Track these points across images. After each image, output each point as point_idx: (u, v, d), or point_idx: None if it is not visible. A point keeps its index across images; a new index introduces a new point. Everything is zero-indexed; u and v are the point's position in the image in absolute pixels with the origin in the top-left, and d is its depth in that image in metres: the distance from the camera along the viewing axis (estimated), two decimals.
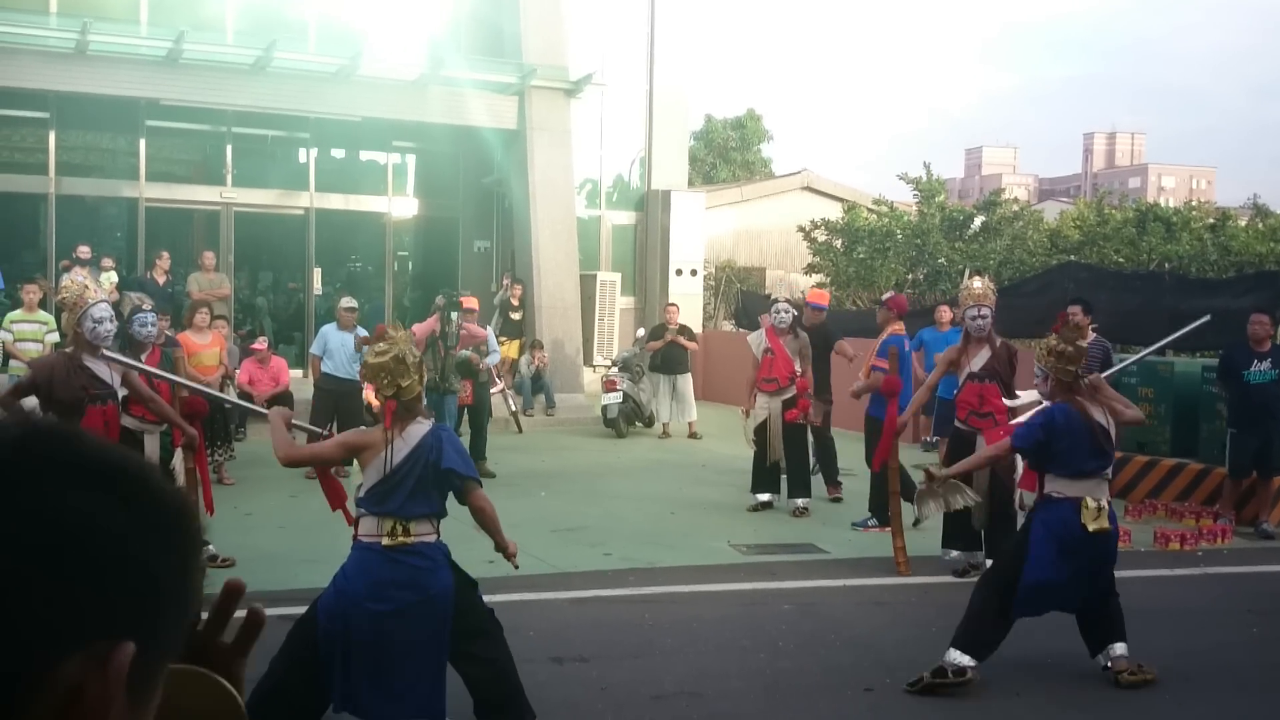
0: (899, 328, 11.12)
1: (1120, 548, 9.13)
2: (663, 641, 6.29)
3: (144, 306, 7.80)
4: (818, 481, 10.81)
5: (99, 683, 0.76)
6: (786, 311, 9.93)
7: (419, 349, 11.10)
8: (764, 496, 9.95)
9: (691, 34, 19.66)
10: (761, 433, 9.90)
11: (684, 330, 14.77)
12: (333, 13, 16.66)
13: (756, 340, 10.17)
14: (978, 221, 21.28)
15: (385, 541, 4.67)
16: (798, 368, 9.86)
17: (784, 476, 9.95)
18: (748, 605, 7.13)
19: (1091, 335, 10.17)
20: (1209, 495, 10.53)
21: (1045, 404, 6.29)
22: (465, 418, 11.67)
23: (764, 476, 10.01)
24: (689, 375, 14.54)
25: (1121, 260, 17.82)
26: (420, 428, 4.70)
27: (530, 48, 16.49)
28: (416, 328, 11.27)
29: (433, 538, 4.72)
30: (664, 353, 14.39)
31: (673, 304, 15.53)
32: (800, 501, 9.89)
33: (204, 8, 16.05)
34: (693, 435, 14.36)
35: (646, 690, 5.52)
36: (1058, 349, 6.00)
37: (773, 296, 10.34)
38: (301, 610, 6.88)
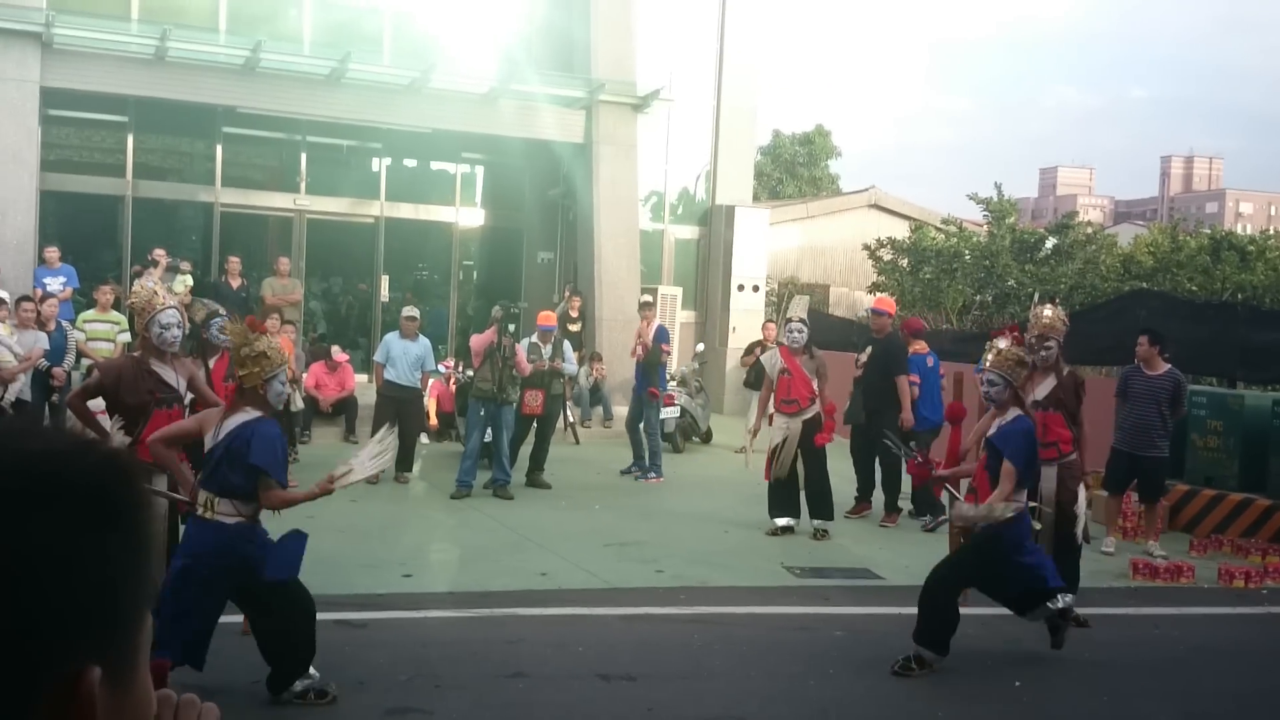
0: (921, 347, 11.15)
1: (1183, 583, 9.01)
2: (711, 663, 6.27)
3: (221, 312, 7.98)
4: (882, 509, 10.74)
5: (70, 714, 0.77)
6: (800, 331, 9.77)
7: (477, 361, 11.26)
8: (783, 521, 9.80)
9: (761, 49, 19.65)
10: (776, 455, 9.75)
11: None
12: (407, 26, 16.88)
13: (771, 361, 10.06)
14: (1049, 244, 20.99)
15: (199, 510, 5.30)
16: (815, 387, 9.75)
17: (803, 495, 9.82)
18: (799, 630, 7.08)
19: (1164, 367, 9.98)
20: (1277, 532, 10.29)
21: (1009, 417, 6.53)
22: (525, 427, 11.71)
23: (781, 500, 9.87)
24: None
25: (1195, 289, 17.49)
26: (244, 417, 5.30)
27: (599, 62, 16.59)
28: (474, 339, 11.38)
29: (233, 519, 5.23)
30: (756, 369, 14.39)
31: (770, 321, 15.57)
32: (820, 524, 9.78)
33: (282, 18, 16.36)
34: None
35: (692, 712, 5.50)
36: (1025, 358, 6.60)
37: (788, 316, 10.16)
38: (359, 615, 6.98)
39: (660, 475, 12.33)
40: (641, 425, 12.55)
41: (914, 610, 7.71)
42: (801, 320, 9.83)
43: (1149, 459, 9.90)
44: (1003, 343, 7.62)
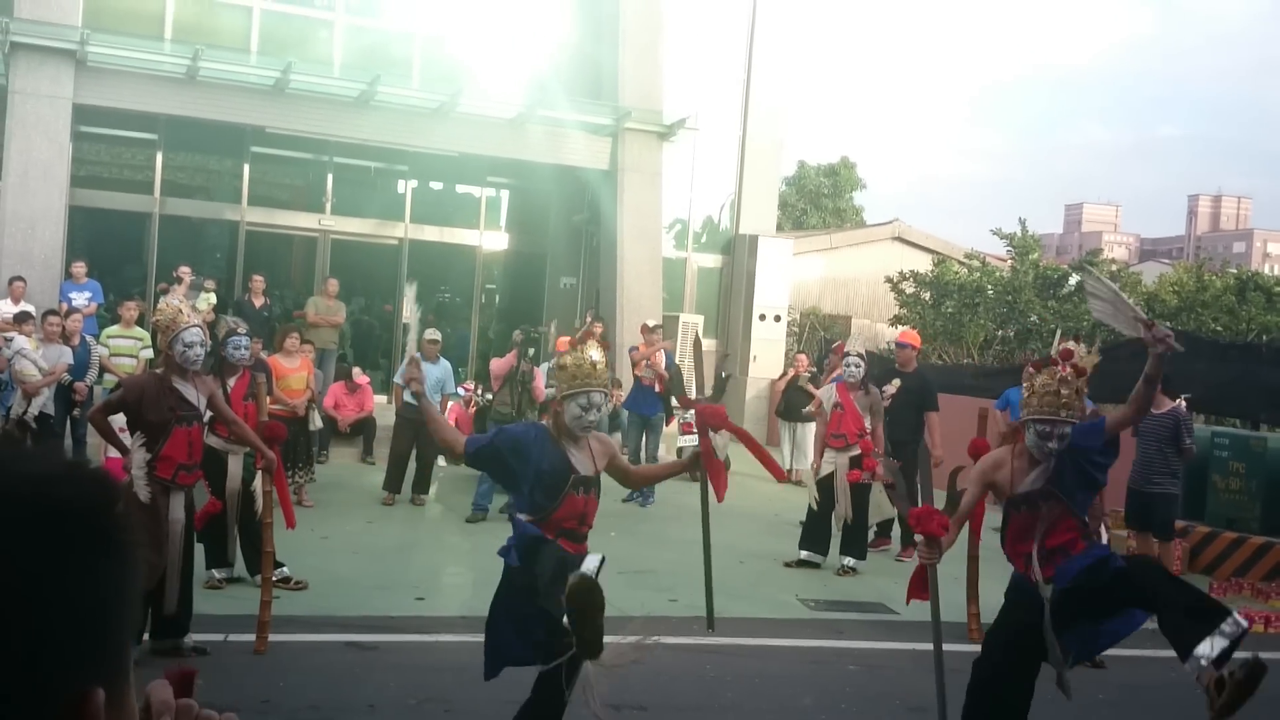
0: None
1: None
2: (723, 695, 6.23)
3: (239, 330, 8.00)
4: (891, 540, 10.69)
5: None
6: (857, 366, 9.72)
7: (496, 384, 11.27)
8: (805, 554, 9.75)
9: (788, 80, 19.71)
10: (826, 490, 9.74)
11: (813, 379, 14.73)
12: (436, 50, 17.02)
13: (827, 395, 10.05)
14: (1073, 280, 20.89)
15: None
16: (868, 424, 9.72)
17: (837, 532, 9.77)
18: (812, 663, 7.04)
19: (1168, 405, 9.92)
20: None
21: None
22: None
23: (814, 534, 9.83)
24: (811, 424, 14.47)
25: (1219, 329, 17.38)
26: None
27: (627, 91, 16.68)
28: (495, 363, 11.41)
29: None
30: (787, 399, 14.34)
31: (802, 353, 15.57)
32: (849, 561, 9.70)
33: (312, 41, 16.52)
34: (799, 482, 14.22)
35: None
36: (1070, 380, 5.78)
37: (846, 351, 10.18)
38: (371, 638, 6.97)
39: (637, 495, 12.32)
40: (647, 451, 12.57)
41: (930, 646, 7.66)
42: (860, 355, 9.77)
43: (1153, 495, 9.86)
44: (1039, 378, 7.24)
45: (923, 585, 5.07)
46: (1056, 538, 4.87)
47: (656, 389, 12.55)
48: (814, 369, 15.32)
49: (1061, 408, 4.74)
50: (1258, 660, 4.39)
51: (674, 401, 13.28)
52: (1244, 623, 4.55)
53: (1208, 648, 4.46)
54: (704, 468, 5.13)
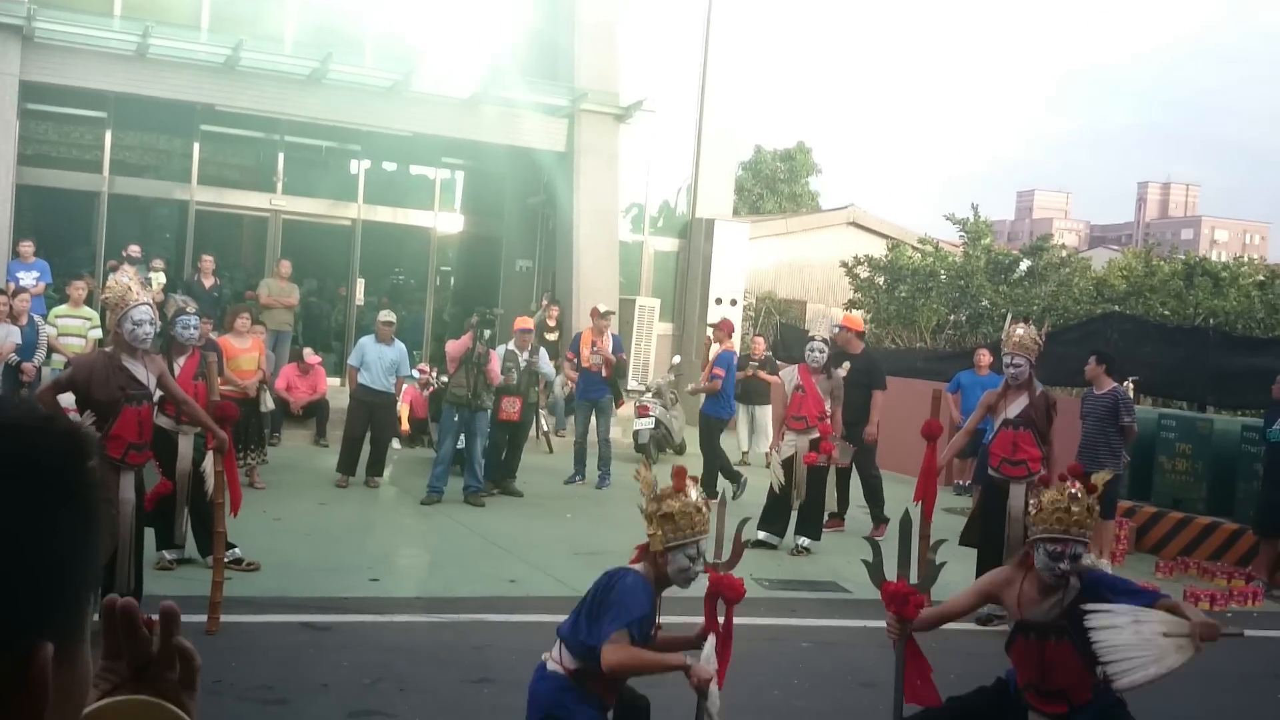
0: (730, 345, 12.78)
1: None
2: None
3: (187, 309, 7.90)
4: (856, 522, 10.79)
5: (23, 690, 0.77)
6: (820, 351, 9.83)
7: (452, 367, 11.21)
8: (763, 535, 9.81)
9: (745, 64, 19.73)
10: (788, 471, 9.83)
11: (766, 363, 14.82)
12: (390, 28, 16.86)
13: (788, 377, 10.13)
14: (1023, 265, 21.14)
15: None
16: (828, 407, 9.80)
17: (794, 513, 9.86)
18: (766, 641, 7.08)
19: (1109, 385, 10.05)
20: (1242, 556, 10.38)
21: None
22: (502, 433, 11.66)
23: (774, 515, 9.91)
24: (768, 407, 14.57)
25: (1167, 313, 17.64)
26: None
27: (583, 72, 16.61)
28: (450, 345, 11.35)
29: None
30: (744, 384, 14.44)
31: (759, 337, 15.66)
32: (804, 541, 9.80)
33: (264, 18, 16.30)
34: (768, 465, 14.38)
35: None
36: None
37: (810, 334, 10.31)
38: (324, 618, 6.93)
39: (583, 479, 12.49)
40: (598, 434, 12.61)
41: (881, 623, 7.73)
42: (824, 340, 9.94)
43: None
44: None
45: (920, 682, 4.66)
46: (1060, 680, 4.34)
47: (604, 374, 12.60)
48: (768, 353, 15.40)
49: (1073, 525, 4.26)
50: None
51: (629, 386, 13.38)
52: None
53: None
54: (712, 640, 4.41)
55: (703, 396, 12.54)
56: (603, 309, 13.37)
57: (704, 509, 4.15)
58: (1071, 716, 4.38)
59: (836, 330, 11.43)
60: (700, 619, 4.44)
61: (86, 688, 0.88)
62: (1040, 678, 4.38)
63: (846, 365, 10.92)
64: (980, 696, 4.73)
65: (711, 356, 12.76)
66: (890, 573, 4.70)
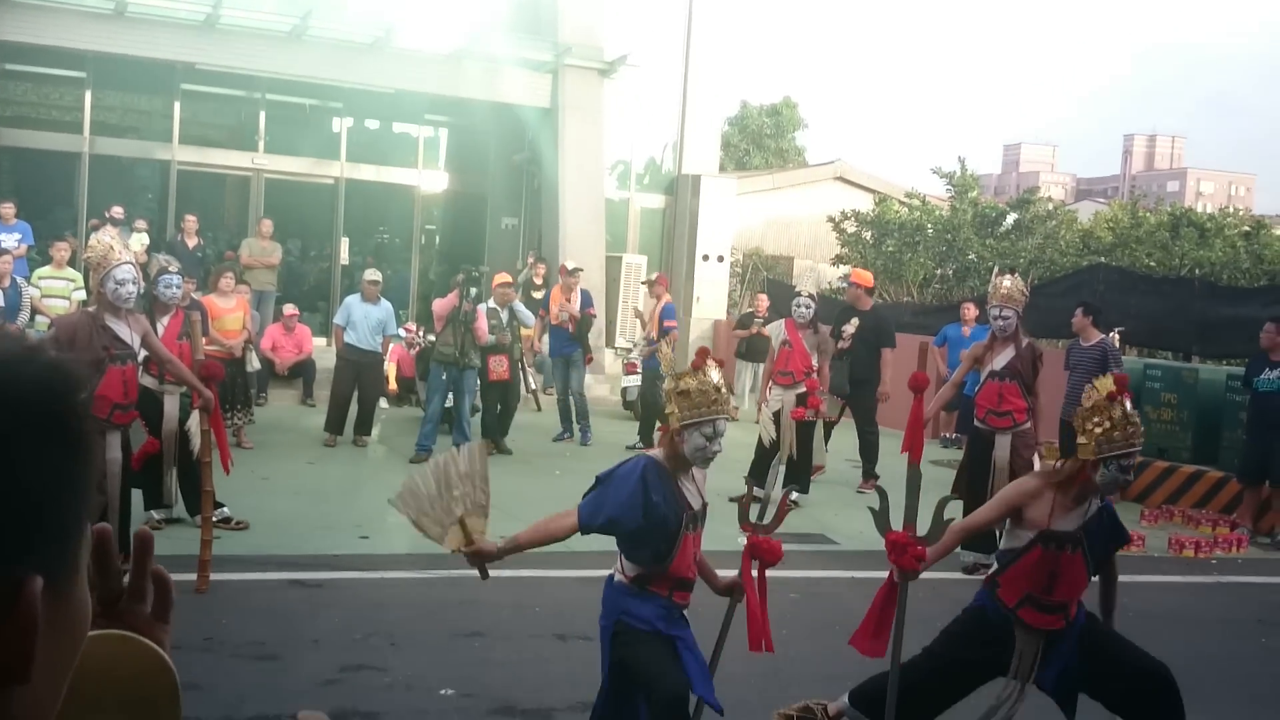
0: (669, 298, 12.90)
1: (1134, 553, 9.13)
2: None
3: (170, 269, 7.84)
4: (843, 474, 10.83)
5: (10, 622, 0.76)
6: (807, 307, 9.82)
7: (439, 325, 11.18)
8: (757, 490, 9.82)
9: (730, 18, 19.56)
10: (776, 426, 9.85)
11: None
12: None
13: (775, 331, 10.13)
14: (1010, 219, 21.10)
15: None
16: (815, 362, 9.81)
17: (781, 467, 9.88)
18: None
19: (1096, 337, 10.09)
20: (1227, 504, 10.46)
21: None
22: (495, 393, 11.65)
23: (761, 468, 9.92)
24: None
25: (1153, 264, 17.64)
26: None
27: (566, 26, 16.47)
28: (437, 303, 11.32)
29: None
30: (749, 341, 14.39)
31: (762, 294, 15.61)
32: (792, 495, 9.83)
33: None
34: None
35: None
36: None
37: (796, 289, 10.32)
38: (314, 575, 6.95)
39: (571, 436, 12.57)
40: (570, 389, 12.67)
41: (868, 574, 7.79)
42: (810, 296, 9.92)
43: None
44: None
45: (874, 630, 4.60)
46: (1064, 592, 4.53)
47: (570, 329, 12.66)
48: (767, 314, 15.38)
49: (1138, 436, 4.46)
50: None
51: (616, 344, 13.38)
52: None
53: None
54: (741, 600, 4.51)
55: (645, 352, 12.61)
56: (570, 266, 13.40)
57: (722, 389, 4.15)
58: (1064, 631, 4.54)
59: (846, 286, 11.45)
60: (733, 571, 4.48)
61: (83, 626, 0.87)
62: (1046, 589, 4.50)
63: (855, 321, 10.92)
64: (961, 637, 4.78)
65: (654, 313, 12.66)
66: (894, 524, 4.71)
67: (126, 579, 1.01)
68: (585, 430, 12.49)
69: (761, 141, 36.73)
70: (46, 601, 0.79)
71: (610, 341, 17.40)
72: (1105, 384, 4.60)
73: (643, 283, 15.00)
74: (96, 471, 0.86)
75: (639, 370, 14.43)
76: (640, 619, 4.15)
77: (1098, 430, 4.48)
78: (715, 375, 4.16)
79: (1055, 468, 4.64)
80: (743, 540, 4.70)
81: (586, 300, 13.03)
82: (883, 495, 4.76)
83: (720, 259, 18.75)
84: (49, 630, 0.80)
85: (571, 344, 12.74)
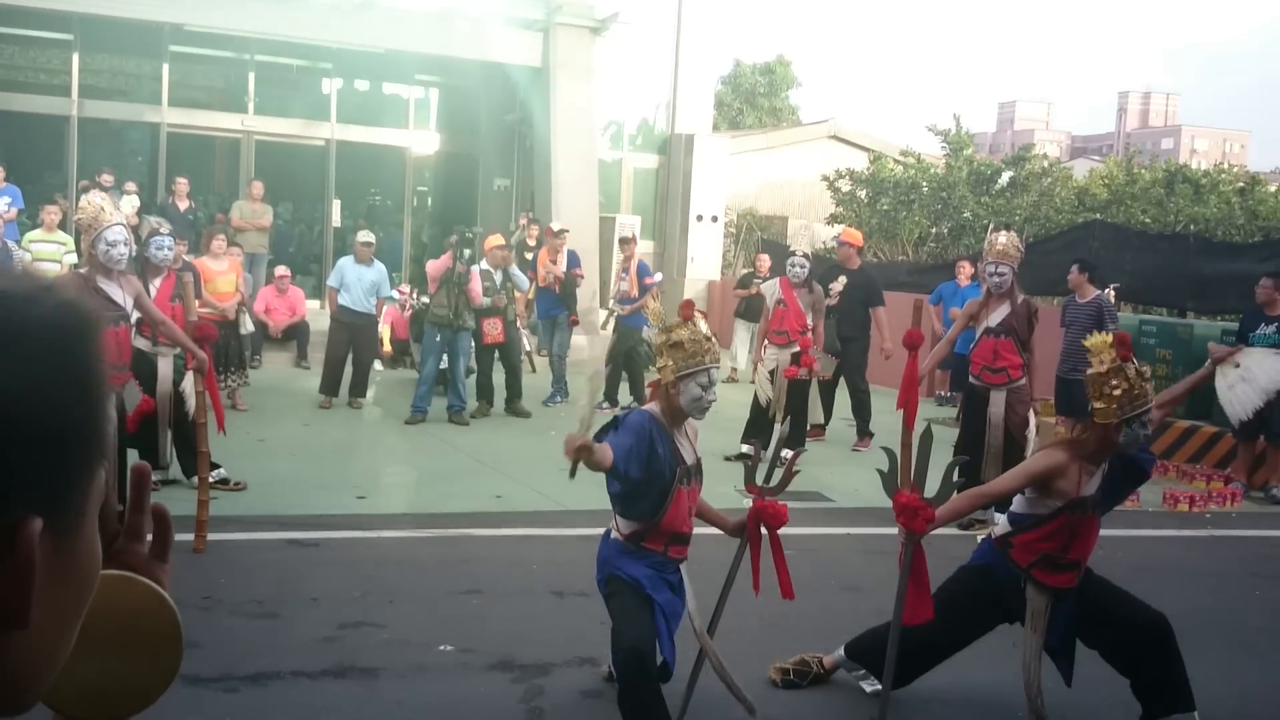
0: (640, 256, 12.88)
1: (1128, 507, 9.16)
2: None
3: (161, 230, 7.80)
4: (839, 434, 10.87)
5: (7, 564, 0.75)
6: (802, 266, 9.82)
7: (433, 287, 11.14)
8: (747, 447, 9.87)
9: None
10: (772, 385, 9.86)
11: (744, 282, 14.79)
12: None
13: (770, 290, 10.12)
14: (1005, 176, 21.02)
15: None
16: (809, 321, 9.80)
17: (778, 427, 9.90)
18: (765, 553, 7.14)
19: (1092, 293, 10.08)
20: (1221, 459, 10.50)
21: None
22: (496, 356, 11.60)
23: (757, 427, 9.94)
24: None
25: (1148, 221, 17.61)
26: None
27: None
28: (430, 265, 11.28)
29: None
30: (748, 301, 14.35)
31: (763, 254, 15.54)
32: (786, 452, 9.83)
33: None
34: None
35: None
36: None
37: (791, 248, 10.31)
38: (311, 535, 6.96)
39: (566, 398, 12.47)
40: (555, 351, 12.68)
41: (863, 530, 7.83)
42: (805, 255, 9.96)
43: (1078, 382, 10.09)
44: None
45: (914, 599, 4.55)
46: (1080, 550, 4.60)
47: (556, 290, 12.64)
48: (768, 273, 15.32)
49: (1148, 396, 4.49)
50: None
51: (609, 305, 13.33)
52: None
53: None
54: (747, 550, 4.62)
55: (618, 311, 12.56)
56: (556, 228, 13.38)
57: (713, 339, 4.21)
58: (1077, 586, 4.62)
59: (837, 245, 11.44)
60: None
61: (91, 574, 0.85)
62: (1063, 549, 4.57)
63: (843, 279, 10.91)
64: (964, 595, 4.80)
65: (632, 271, 12.55)
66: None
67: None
68: (556, 393, 12.43)
69: (755, 100, 36.53)
70: (48, 546, 0.77)
71: (605, 303, 17.35)
72: (1098, 342, 4.60)
73: (620, 240, 14.92)
74: (109, 418, 0.84)
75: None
76: (630, 576, 4.20)
77: (1117, 392, 4.49)
78: (704, 326, 4.20)
79: (1078, 438, 4.62)
80: (747, 501, 4.73)
81: (574, 261, 12.96)
82: (891, 456, 4.76)
83: (714, 219, 18.69)
84: (51, 576, 0.78)
85: (558, 306, 12.70)
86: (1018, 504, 4.77)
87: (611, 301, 17.23)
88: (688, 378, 4.12)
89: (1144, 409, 4.47)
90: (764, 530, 4.64)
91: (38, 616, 0.78)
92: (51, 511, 0.78)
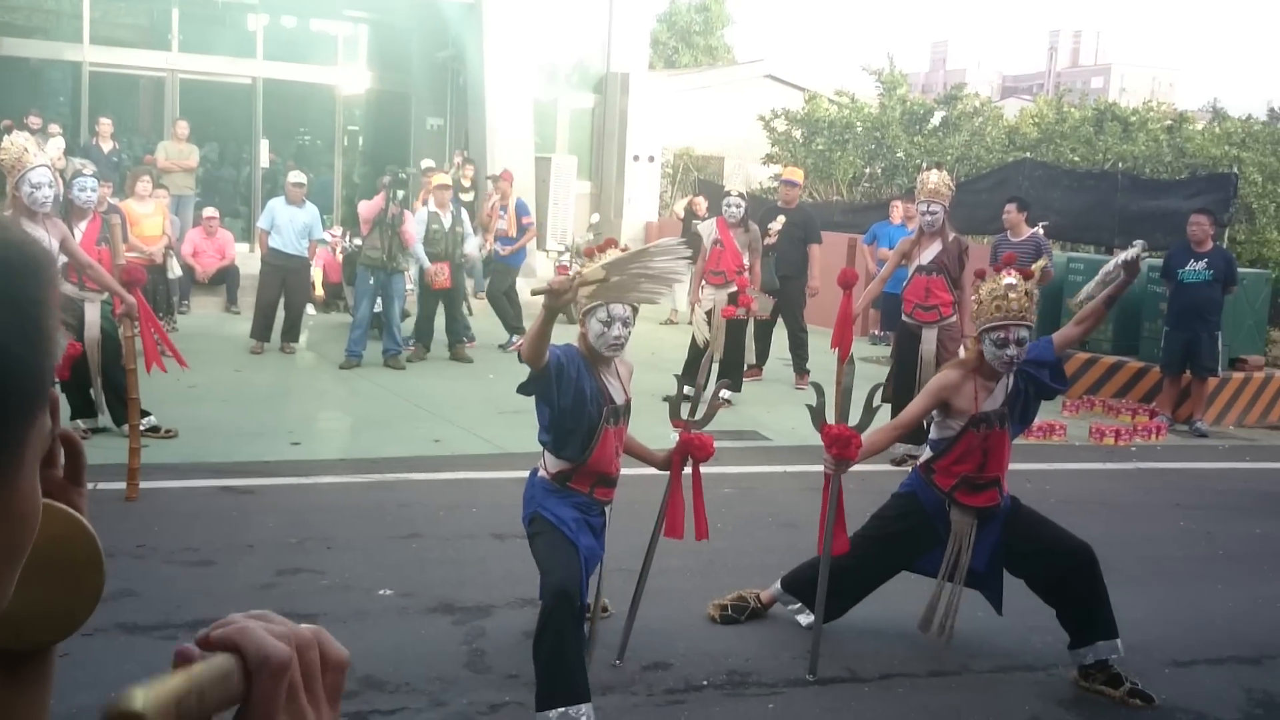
0: (515, 194, 12.70)
1: (1055, 441, 9.38)
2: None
3: (85, 171, 7.62)
4: (776, 373, 10.93)
5: None
6: (738, 206, 9.83)
7: (365, 229, 10.98)
8: (687, 388, 9.89)
9: None
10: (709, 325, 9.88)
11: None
12: None
13: (707, 231, 10.12)
14: (937, 116, 21.13)
15: None
16: (746, 261, 9.82)
17: (714, 365, 9.95)
18: (688, 488, 7.20)
19: (1028, 232, 10.23)
20: (1146, 393, 10.74)
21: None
22: (435, 301, 11.46)
23: (693, 367, 9.97)
24: None
25: (1077, 159, 17.80)
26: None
27: None
28: (363, 206, 11.12)
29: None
30: (686, 241, 14.30)
31: (699, 196, 15.45)
32: (725, 393, 9.91)
33: None
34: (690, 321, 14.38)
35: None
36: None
37: (725, 189, 10.31)
38: (245, 482, 6.90)
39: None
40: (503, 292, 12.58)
41: (799, 468, 7.92)
42: (740, 195, 9.98)
43: None
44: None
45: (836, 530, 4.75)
46: (995, 467, 4.70)
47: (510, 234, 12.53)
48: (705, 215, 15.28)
49: (1011, 311, 4.54)
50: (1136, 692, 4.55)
51: (547, 246, 13.25)
52: (1121, 652, 4.66)
53: (1088, 655, 4.62)
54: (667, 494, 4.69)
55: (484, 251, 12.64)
56: (498, 171, 13.36)
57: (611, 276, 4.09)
58: (994, 510, 4.73)
59: (780, 185, 11.46)
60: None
61: (30, 520, 0.83)
62: (979, 468, 4.68)
63: (781, 219, 10.94)
64: (892, 520, 4.98)
65: (511, 210, 12.38)
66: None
67: None
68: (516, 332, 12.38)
69: (690, 39, 36.24)
70: None
71: (541, 244, 17.25)
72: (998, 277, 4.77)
73: (487, 178, 14.60)
74: (53, 362, 0.82)
75: (569, 273, 14.37)
76: (555, 516, 4.23)
77: (975, 306, 4.69)
78: (610, 255, 4.13)
79: (967, 355, 4.80)
80: (674, 436, 4.77)
81: (522, 209, 12.76)
82: (819, 391, 4.84)
83: (651, 159, 18.59)
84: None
85: (517, 255, 12.55)
86: (933, 431, 4.91)
87: (550, 241, 17.17)
88: (589, 314, 4.11)
89: (996, 324, 4.54)
90: (689, 465, 4.71)
91: None
92: None
